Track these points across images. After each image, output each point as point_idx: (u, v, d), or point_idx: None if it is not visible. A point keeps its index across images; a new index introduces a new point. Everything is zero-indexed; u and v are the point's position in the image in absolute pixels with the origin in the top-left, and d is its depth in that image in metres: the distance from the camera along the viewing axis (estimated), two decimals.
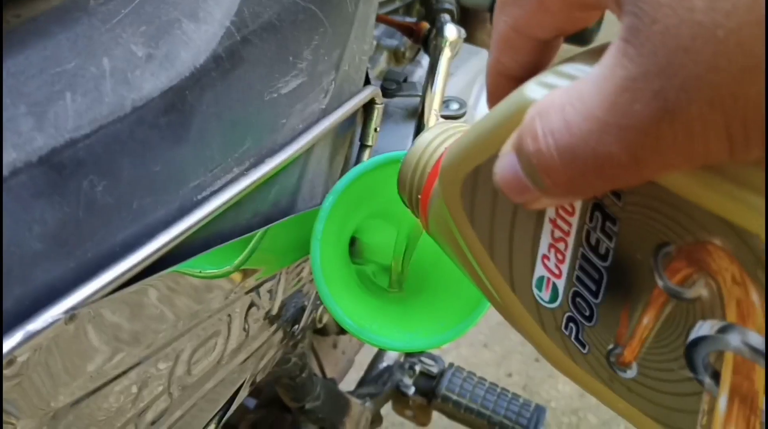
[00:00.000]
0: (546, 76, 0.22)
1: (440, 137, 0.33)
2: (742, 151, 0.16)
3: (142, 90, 0.32)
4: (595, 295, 0.24)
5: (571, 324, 0.26)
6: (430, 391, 0.98)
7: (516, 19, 0.24)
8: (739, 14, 0.15)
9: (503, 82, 0.26)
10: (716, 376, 0.20)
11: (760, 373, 0.19)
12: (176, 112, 0.34)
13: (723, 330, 0.20)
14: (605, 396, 0.26)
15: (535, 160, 0.20)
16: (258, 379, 0.58)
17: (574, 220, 0.24)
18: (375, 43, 0.81)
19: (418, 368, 1.00)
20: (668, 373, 0.22)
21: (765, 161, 0.17)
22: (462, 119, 0.75)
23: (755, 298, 0.18)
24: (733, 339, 0.19)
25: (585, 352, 0.26)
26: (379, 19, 0.77)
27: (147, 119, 0.32)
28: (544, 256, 0.26)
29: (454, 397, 0.98)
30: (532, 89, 0.22)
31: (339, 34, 0.47)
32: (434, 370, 1.00)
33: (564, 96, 0.19)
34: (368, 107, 0.56)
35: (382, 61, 0.84)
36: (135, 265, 0.34)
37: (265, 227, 0.45)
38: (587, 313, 0.25)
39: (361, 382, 1.03)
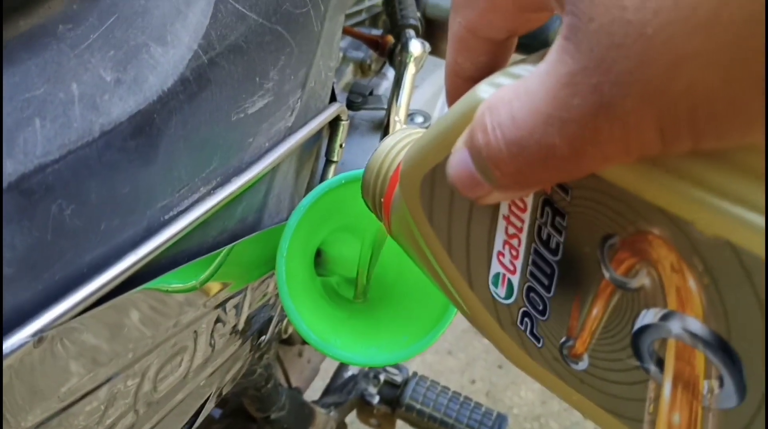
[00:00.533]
0: (497, 77, 0.23)
1: (402, 142, 0.34)
2: (673, 143, 0.17)
3: (110, 114, 0.33)
4: (548, 289, 0.25)
5: (526, 319, 0.27)
6: (394, 399, 0.99)
7: (469, 20, 0.25)
8: (665, 12, 0.16)
9: (460, 83, 0.27)
10: (661, 364, 0.21)
11: (700, 359, 0.20)
12: (144, 135, 0.34)
13: (665, 317, 0.21)
14: (560, 389, 0.27)
15: (485, 152, 0.20)
16: (225, 392, 0.59)
17: (526, 216, 0.25)
18: (341, 55, 0.82)
19: (382, 377, 1.01)
20: (617, 363, 0.23)
21: (701, 151, 0.18)
22: None
23: (692, 284, 0.19)
24: (674, 326, 0.20)
25: (540, 346, 0.27)
26: (345, 32, 0.78)
27: (115, 143, 0.33)
28: (499, 253, 0.26)
29: (418, 406, 0.99)
30: (484, 89, 0.23)
31: (305, 53, 0.48)
32: (398, 379, 1.01)
33: (512, 91, 0.20)
34: (334, 124, 0.57)
35: (348, 73, 0.85)
36: (103, 286, 0.34)
37: (232, 244, 0.45)
38: (540, 308, 0.26)
39: (326, 391, 1.03)
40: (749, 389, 0.19)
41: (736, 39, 0.15)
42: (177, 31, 0.36)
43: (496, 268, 0.27)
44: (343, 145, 0.59)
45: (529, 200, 0.24)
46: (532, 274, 0.25)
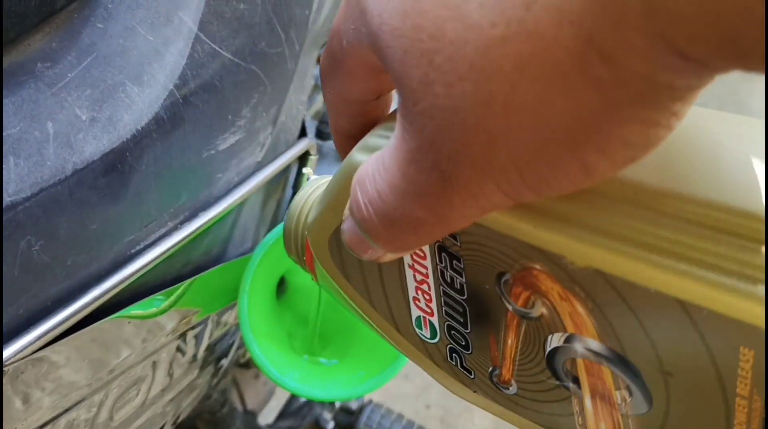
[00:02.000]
0: (368, 139, 0.25)
1: (312, 196, 0.34)
2: (520, 198, 0.19)
3: (83, 153, 0.33)
4: (465, 325, 0.26)
5: (455, 354, 0.28)
6: (349, 426, 0.99)
7: (337, 89, 0.26)
8: (469, 98, 0.17)
9: (345, 142, 0.28)
10: (577, 381, 0.23)
11: (607, 373, 0.21)
12: (116, 173, 0.35)
13: (568, 340, 0.22)
14: (502, 413, 0.28)
15: (363, 226, 0.22)
16: (181, 418, 0.59)
17: (428, 263, 0.26)
18: (312, 83, 0.83)
19: (337, 403, 1.01)
20: (541, 384, 0.25)
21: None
22: None
23: (581, 309, 0.21)
24: (578, 347, 0.22)
25: (472, 377, 0.28)
26: (319, 60, 0.79)
27: (87, 181, 0.33)
28: (415, 298, 0.28)
29: None
30: (357, 155, 0.24)
31: (278, 90, 0.49)
32: (353, 406, 1.01)
33: (373, 165, 0.21)
34: (303, 158, 0.58)
35: (319, 101, 0.86)
36: (66, 320, 0.34)
37: (194, 277, 0.46)
38: (463, 343, 0.27)
39: (281, 415, 1.03)
40: (654, 395, 0.20)
41: (531, 118, 0.17)
42: (154, 71, 0.37)
43: (415, 312, 0.28)
44: (311, 177, 0.60)
45: (426, 249, 0.25)
46: (447, 313, 0.27)
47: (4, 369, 0.31)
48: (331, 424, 0.98)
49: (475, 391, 0.29)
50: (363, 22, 0.20)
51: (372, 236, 0.22)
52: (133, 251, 0.39)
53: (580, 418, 0.24)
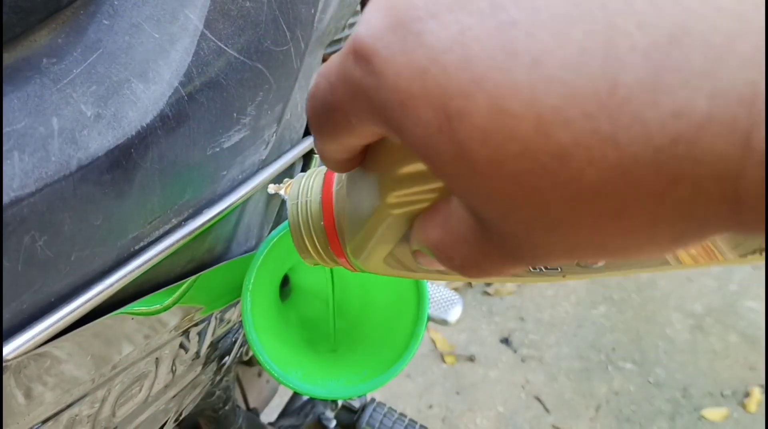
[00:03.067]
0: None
1: (304, 189, 0.32)
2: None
3: (88, 149, 0.33)
4: None
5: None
6: (351, 425, 1.00)
7: (335, 146, 0.23)
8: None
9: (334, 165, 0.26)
10: None
11: None
12: (120, 169, 0.35)
13: None
14: (591, 277, 0.29)
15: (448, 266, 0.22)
16: (183, 415, 0.59)
17: None
18: None
19: (340, 402, 1.01)
20: None
21: None
22: None
23: None
24: None
25: (559, 271, 0.29)
26: (324, 60, 0.79)
27: (91, 177, 0.33)
28: None
29: None
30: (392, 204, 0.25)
31: (283, 88, 0.49)
32: (356, 404, 1.01)
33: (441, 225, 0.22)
34: (307, 156, 0.58)
35: None
36: (69, 315, 0.34)
37: (198, 274, 0.46)
38: None
39: (283, 414, 1.03)
40: None
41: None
42: (159, 68, 0.37)
43: None
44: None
45: None
46: None
47: (7, 364, 0.31)
48: (333, 423, 0.98)
49: (564, 276, 0.29)
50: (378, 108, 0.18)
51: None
52: (137, 247, 0.39)
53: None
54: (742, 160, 0.13)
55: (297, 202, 0.32)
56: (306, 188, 0.32)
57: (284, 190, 0.37)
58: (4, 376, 0.32)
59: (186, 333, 0.49)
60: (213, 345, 0.54)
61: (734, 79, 0.12)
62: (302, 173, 0.34)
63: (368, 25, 0.18)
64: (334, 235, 0.31)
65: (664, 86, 0.13)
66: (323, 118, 0.21)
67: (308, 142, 0.56)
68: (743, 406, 1.69)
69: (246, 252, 0.54)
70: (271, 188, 0.40)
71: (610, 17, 0.14)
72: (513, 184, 0.15)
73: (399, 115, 0.17)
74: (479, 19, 0.15)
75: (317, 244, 0.32)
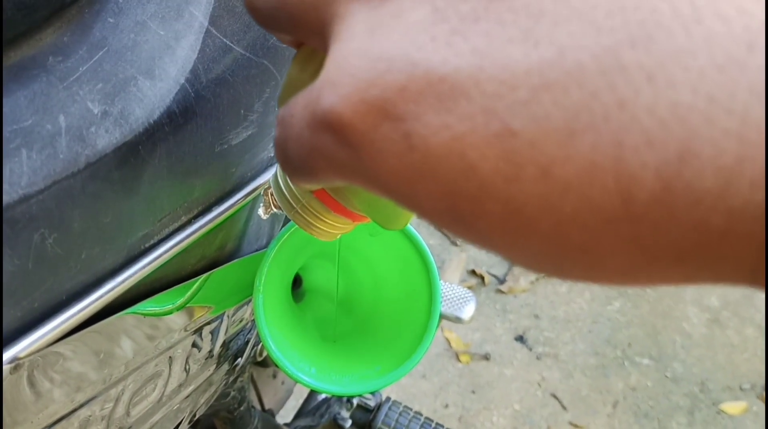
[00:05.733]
0: None
1: (290, 198, 0.37)
2: None
3: (96, 146, 0.33)
4: None
5: None
6: (366, 424, 1.00)
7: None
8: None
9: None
10: None
11: None
12: (129, 166, 0.35)
13: None
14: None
15: None
16: (198, 415, 0.59)
17: None
18: None
19: (355, 401, 1.01)
20: None
21: None
22: None
23: None
24: None
25: None
26: None
27: (100, 174, 0.33)
28: None
29: None
30: None
31: None
32: (371, 403, 1.01)
33: None
34: None
35: None
36: (81, 313, 0.35)
37: (210, 272, 0.46)
38: None
39: (299, 414, 1.03)
40: None
41: None
42: (165, 65, 0.37)
43: None
44: None
45: None
46: None
47: (19, 362, 0.31)
48: (348, 423, 0.98)
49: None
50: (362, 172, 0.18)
51: None
52: (147, 245, 0.39)
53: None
54: (759, 262, 0.14)
55: (294, 211, 0.36)
56: (289, 196, 0.37)
57: (272, 205, 0.39)
58: (16, 375, 0.32)
59: (199, 332, 0.49)
60: (226, 344, 0.54)
61: (747, 202, 0.14)
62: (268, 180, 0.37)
63: (339, 96, 0.17)
64: (328, 198, 0.34)
65: (681, 203, 0.14)
66: (297, 171, 0.21)
67: None
68: (762, 399, 1.68)
69: (257, 250, 0.54)
70: (262, 213, 0.43)
71: (615, 132, 0.14)
72: (535, 259, 0.17)
73: (405, 201, 0.17)
74: (471, 126, 0.15)
75: (326, 219, 0.36)
